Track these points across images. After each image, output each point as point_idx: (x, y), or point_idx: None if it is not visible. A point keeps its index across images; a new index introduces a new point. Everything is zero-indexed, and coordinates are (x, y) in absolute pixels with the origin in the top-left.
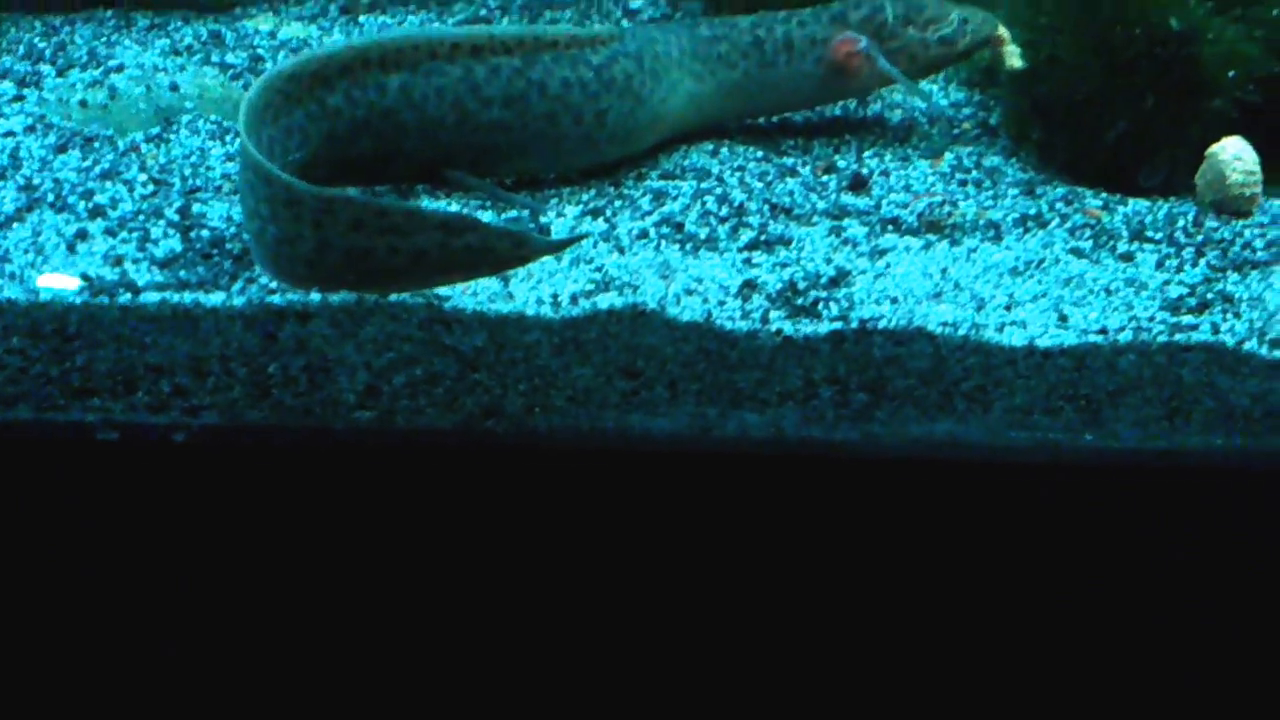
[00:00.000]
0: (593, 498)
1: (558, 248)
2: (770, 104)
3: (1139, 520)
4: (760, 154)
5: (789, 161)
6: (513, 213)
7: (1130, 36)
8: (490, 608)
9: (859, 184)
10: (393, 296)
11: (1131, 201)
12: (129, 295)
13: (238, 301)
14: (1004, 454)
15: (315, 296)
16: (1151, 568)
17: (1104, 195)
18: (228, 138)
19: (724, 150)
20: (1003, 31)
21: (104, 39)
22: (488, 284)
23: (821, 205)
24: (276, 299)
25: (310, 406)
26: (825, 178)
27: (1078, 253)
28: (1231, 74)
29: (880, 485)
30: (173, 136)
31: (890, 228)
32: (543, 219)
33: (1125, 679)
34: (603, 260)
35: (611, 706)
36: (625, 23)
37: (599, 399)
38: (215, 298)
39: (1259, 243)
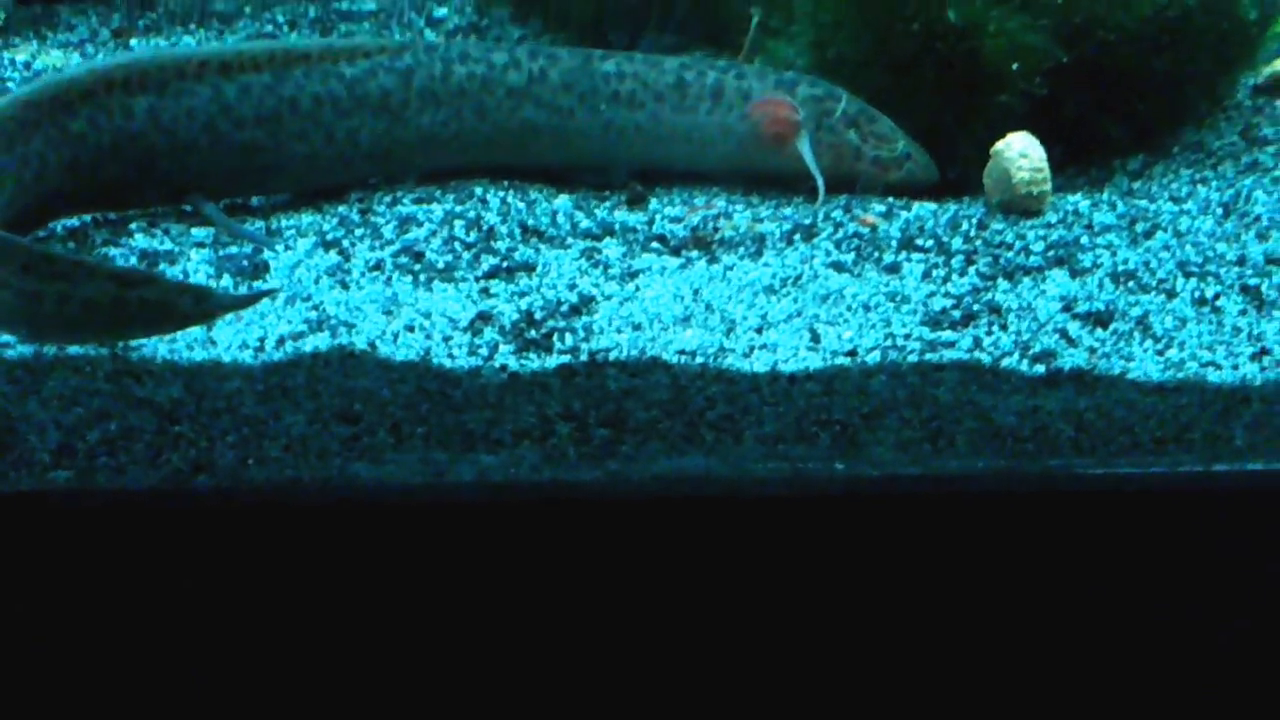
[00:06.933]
0: (318, 554)
1: (243, 304)
2: (669, 155)
3: (907, 549)
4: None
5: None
6: (233, 248)
7: (909, 32)
8: (233, 675)
9: (636, 199)
10: (73, 350)
11: (916, 206)
12: None
13: None
14: (757, 488)
15: None
16: (921, 597)
17: (890, 201)
18: None
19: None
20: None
21: None
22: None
23: (585, 225)
24: None
25: (2, 469)
26: (604, 192)
27: (838, 266)
28: (1015, 67)
29: (632, 524)
30: None
31: (656, 245)
32: (268, 253)
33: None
34: (322, 297)
35: None
36: (429, 33)
37: (317, 447)
38: None
39: (1039, 245)
